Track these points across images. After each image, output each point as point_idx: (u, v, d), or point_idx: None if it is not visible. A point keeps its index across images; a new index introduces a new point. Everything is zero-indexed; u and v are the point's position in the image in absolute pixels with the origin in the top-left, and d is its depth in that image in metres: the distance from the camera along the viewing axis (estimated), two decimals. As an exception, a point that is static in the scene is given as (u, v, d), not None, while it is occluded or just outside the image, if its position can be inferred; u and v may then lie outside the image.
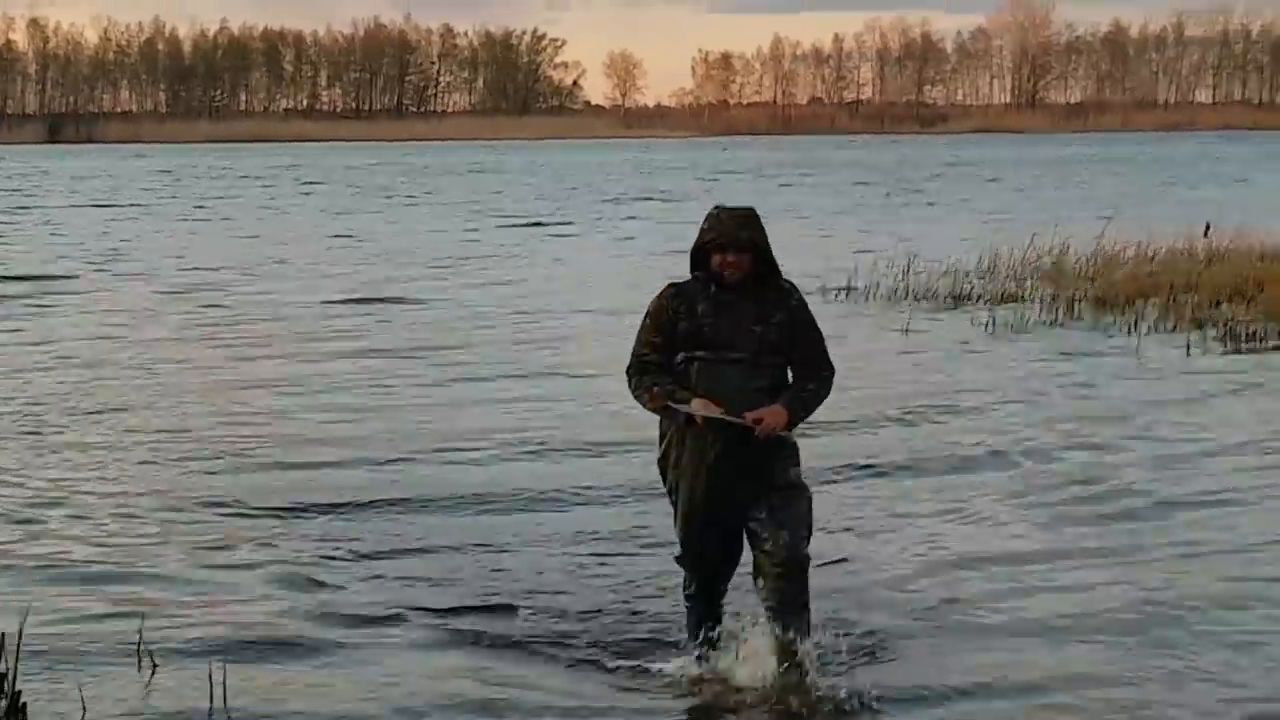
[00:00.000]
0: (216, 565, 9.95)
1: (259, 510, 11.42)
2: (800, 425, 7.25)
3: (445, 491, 12.10)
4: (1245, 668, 7.83)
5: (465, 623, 8.72)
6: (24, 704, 7.13)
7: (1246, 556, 9.91)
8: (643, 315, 7.23)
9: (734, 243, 6.87)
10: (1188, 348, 19.46)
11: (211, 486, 12.18)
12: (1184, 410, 15.34)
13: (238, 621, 8.69)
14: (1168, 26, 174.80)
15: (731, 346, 6.92)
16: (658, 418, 7.29)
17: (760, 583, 7.13)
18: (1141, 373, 17.90)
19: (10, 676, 7.22)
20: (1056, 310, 22.57)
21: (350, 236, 41.32)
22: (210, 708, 7.26)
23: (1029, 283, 24.81)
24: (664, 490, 7.62)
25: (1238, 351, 19.16)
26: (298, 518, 11.25)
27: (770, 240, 7.05)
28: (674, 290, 7.12)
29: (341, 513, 11.38)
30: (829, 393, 7.19)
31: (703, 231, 7.02)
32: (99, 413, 15.77)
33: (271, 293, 27.98)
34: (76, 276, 31.18)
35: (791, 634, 7.10)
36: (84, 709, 7.26)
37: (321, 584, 9.55)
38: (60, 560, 10.04)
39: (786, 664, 7.13)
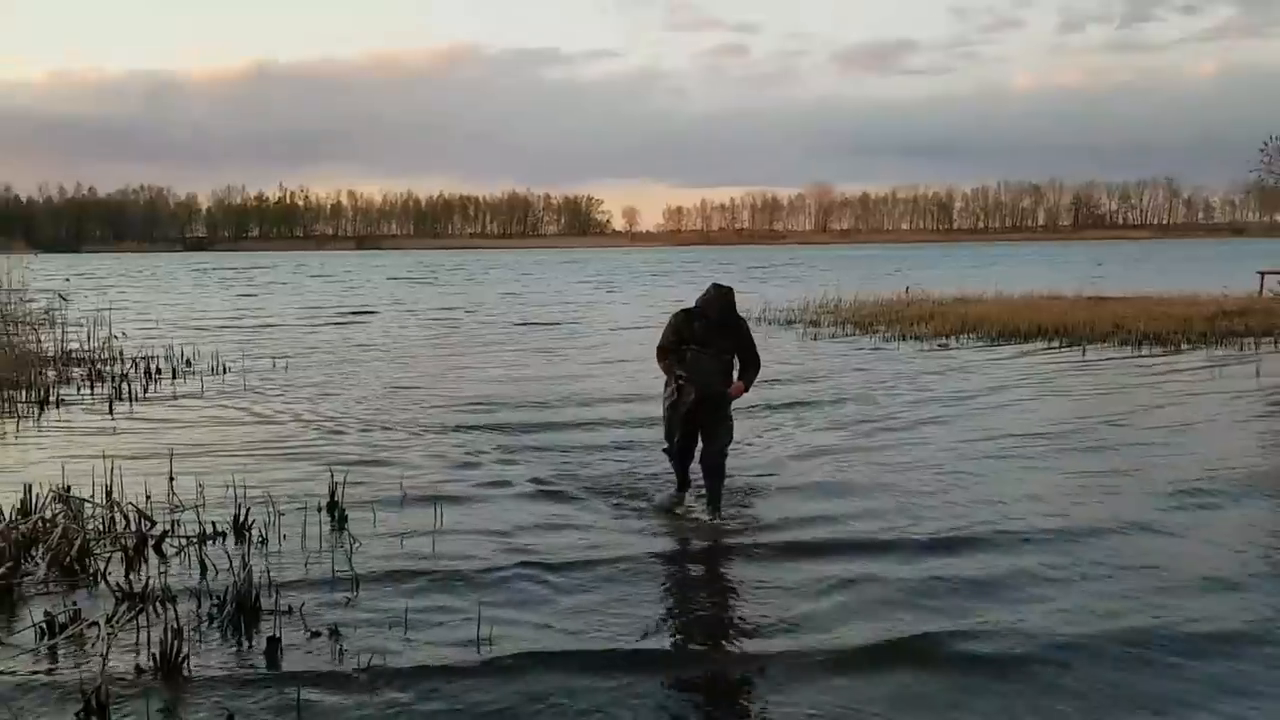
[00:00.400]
0: (427, 456, 10.11)
1: (450, 429, 11.55)
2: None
3: (543, 420, 12.19)
4: (932, 501, 8.25)
5: (547, 484, 8.84)
6: (347, 517, 7.76)
7: (952, 449, 10.24)
8: (668, 322, 7.75)
9: (717, 320, 7.57)
10: (899, 346, 20.15)
11: (430, 416, 12.36)
12: (905, 377, 15.63)
13: (431, 481, 8.99)
14: (889, 193, 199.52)
15: (710, 345, 7.49)
16: (665, 376, 7.81)
17: (702, 463, 7.82)
18: (881, 359, 18.16)
19: (339, 505, 7.86)
20: (836, 329, 23.29)
21: (512, 294, 41.98)
22: (433, 528, 7.61)
23: (822, 315, 25.38)
24: (659, 417, 8.13)
25: (923, 350, 19.49)
26: (468, 431, 11.38)
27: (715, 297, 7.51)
28: (684, 314, 7.68)
29: (489, 430, 11.43)
30: (757, 376, 7.78)
31: (702, 298, 7.64)
32: (375, 376, 16.16)
33: (475, 319, 28.66)
34: (378, 311, 32.04)
35: (714, 492, 7.77)
36: (374, 523, 7.70)
37: (472, 465, 9.77)
38: (347, 453, 10.22)
39: (711, 505, 7.75)
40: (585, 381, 15.69)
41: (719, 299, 7.61)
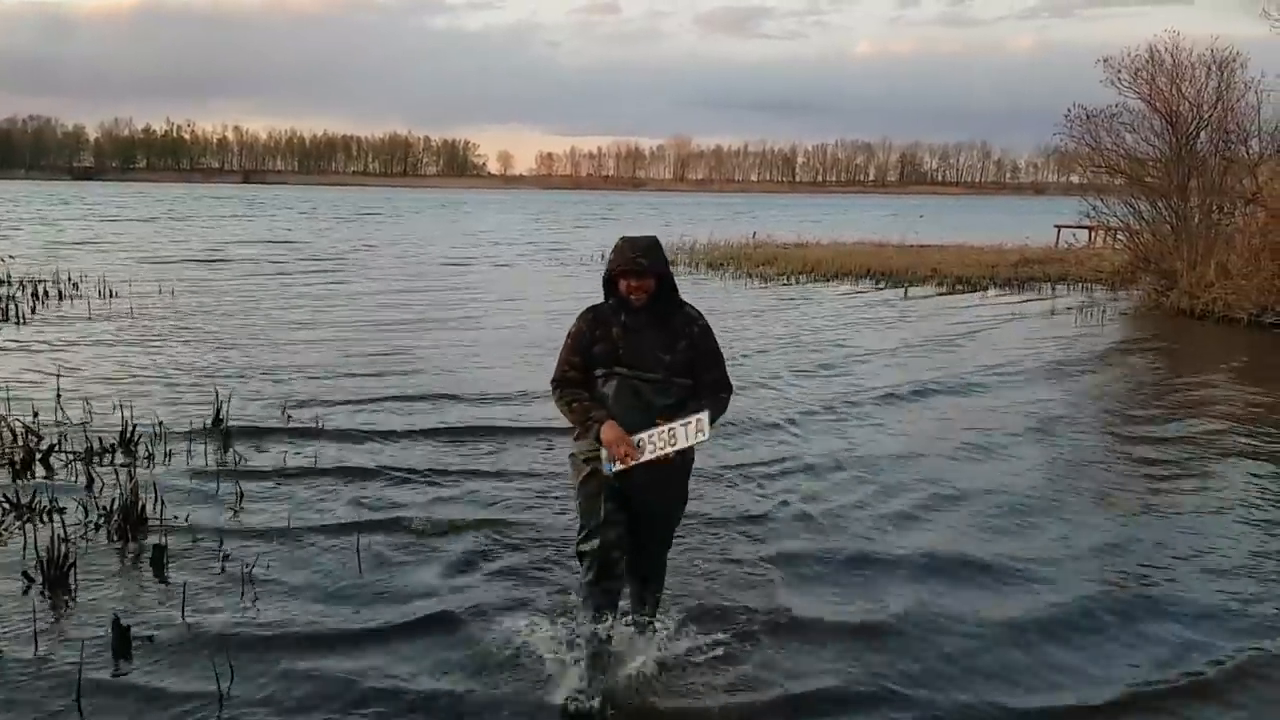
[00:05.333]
0: (313, 380, 9.57)
1: (333, 356, 10.88)
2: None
3: (450, 345, 11.45)
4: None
5: (446, 423, 7.85)
6: (232, 435, 7.39)
7: (845, 373, 10.18)
8: (565, 336, 4.14)
9: (635, 270, 4.02)
10: (745, 284, 20.30)
11: (319, 342, 11.73)
12: (757, 309, 15.91)
13: (315, 404, 8.56)
14: (741, 146, 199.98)
15: (645, 368, 4.03)
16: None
17: (633, 571, 4.26)
18: (733, 295, 18.29)
19: (224, 423, 7.51)
20: (693, 269, 23.03)
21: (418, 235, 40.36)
22: (315, 446, 7.41)
23: (678, 255, 24.41)
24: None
25: (765, 286, 19.84)
26: (353, 355, 10.75)
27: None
28: (591, 315, 4.14)
29: (381, 356, 10.75)
30: (725, 410, 4.17)
31: (610, 261, 4.09)
32: (284, 307, 14.84)
33: (390, 255, 26.99)
34: (294, 243, 29.84)
35: (651, 599, 4.36)
36: (259, 442, 7.42)
37: (358, 389, 9.10)
38: (234, 375, 9.74)
39: (645, 610, 4.33)
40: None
41: (635, 257, 4.10)
